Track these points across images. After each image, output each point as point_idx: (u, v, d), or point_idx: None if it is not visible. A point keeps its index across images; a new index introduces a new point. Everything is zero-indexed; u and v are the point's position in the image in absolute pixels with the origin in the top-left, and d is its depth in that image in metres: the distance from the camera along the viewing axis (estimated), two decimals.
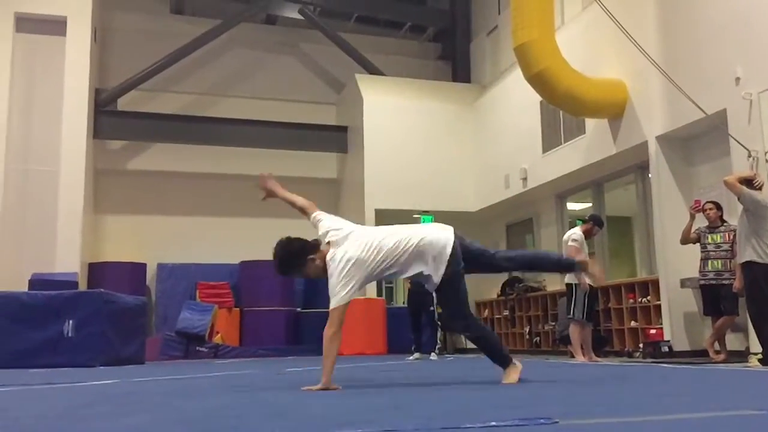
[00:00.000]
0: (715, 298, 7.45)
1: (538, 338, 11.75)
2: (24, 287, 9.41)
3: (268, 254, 14.53)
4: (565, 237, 8.13)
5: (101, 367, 7.49)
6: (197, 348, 11.11)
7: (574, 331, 7.90)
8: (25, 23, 12.03)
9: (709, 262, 7.51)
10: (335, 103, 15.09)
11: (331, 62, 15.10)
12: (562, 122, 10.77)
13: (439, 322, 9.56)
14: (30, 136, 11.83)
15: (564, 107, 9.82)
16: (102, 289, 8.49)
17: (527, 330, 12.04)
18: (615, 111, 9.42)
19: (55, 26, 11.98)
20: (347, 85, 14.56)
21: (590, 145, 10.15)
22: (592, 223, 8.14)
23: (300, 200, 4.04)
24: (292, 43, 15.18)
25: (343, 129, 14.41)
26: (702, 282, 7.61)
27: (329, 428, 2.14)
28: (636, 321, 9.43)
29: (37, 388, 4.35)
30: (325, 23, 14.75)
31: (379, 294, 13.47)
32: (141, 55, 13.32)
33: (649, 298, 9.18)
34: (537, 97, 10.17)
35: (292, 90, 14.77)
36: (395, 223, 3.95)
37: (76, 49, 12.02)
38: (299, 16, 14.64)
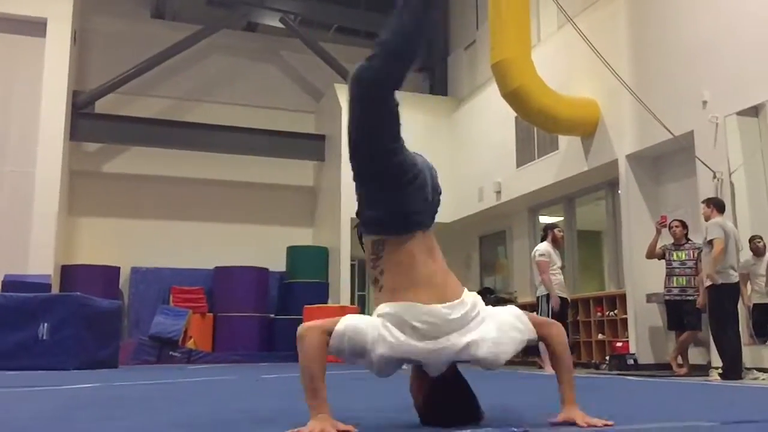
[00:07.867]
0: (678, 314, 7.72)
1: None
2: None
3: (242, 260, 14.43)
4: (533, 253, 8.42)
5: (76, 371, 7.51)
6: (170, 353, 11.12)
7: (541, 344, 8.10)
8: (5, 23, 11.97)
9: (674, 278, 7.78)
10: (314, 112, 15.21)
11: (310, 71, 15.21)
12: (536, 138, 11.02)
13: None
14: (7, 137, 11.78)
15: (538, 124, 10.07)
16: (78, 293, 8.51)
17: None
18: (587, 129, 9.69)
19: (35, 27, 11.94)
20: (326, 94, 14.69)
21: (563, 161, 10.41)
22: (548, 231, 8.40)
23: None
24: (272, 50, 15.27)
25: (321, 138, 14.53)
26: (667, 297, 7.88)
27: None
28: (603, 334, 9.69)
29: (20, 390, 4.41)
30: (306, 32, 14.88)
31: (352, 302, 13.54)
32: (120, 59, 13.31)
33: (616, 311, 9.44)
34: (512, 113, 10.39)
35: (271, 97, 14.85)
36: None
37: (55, 51, 11.98)
38: (280, 25, 14.74)
